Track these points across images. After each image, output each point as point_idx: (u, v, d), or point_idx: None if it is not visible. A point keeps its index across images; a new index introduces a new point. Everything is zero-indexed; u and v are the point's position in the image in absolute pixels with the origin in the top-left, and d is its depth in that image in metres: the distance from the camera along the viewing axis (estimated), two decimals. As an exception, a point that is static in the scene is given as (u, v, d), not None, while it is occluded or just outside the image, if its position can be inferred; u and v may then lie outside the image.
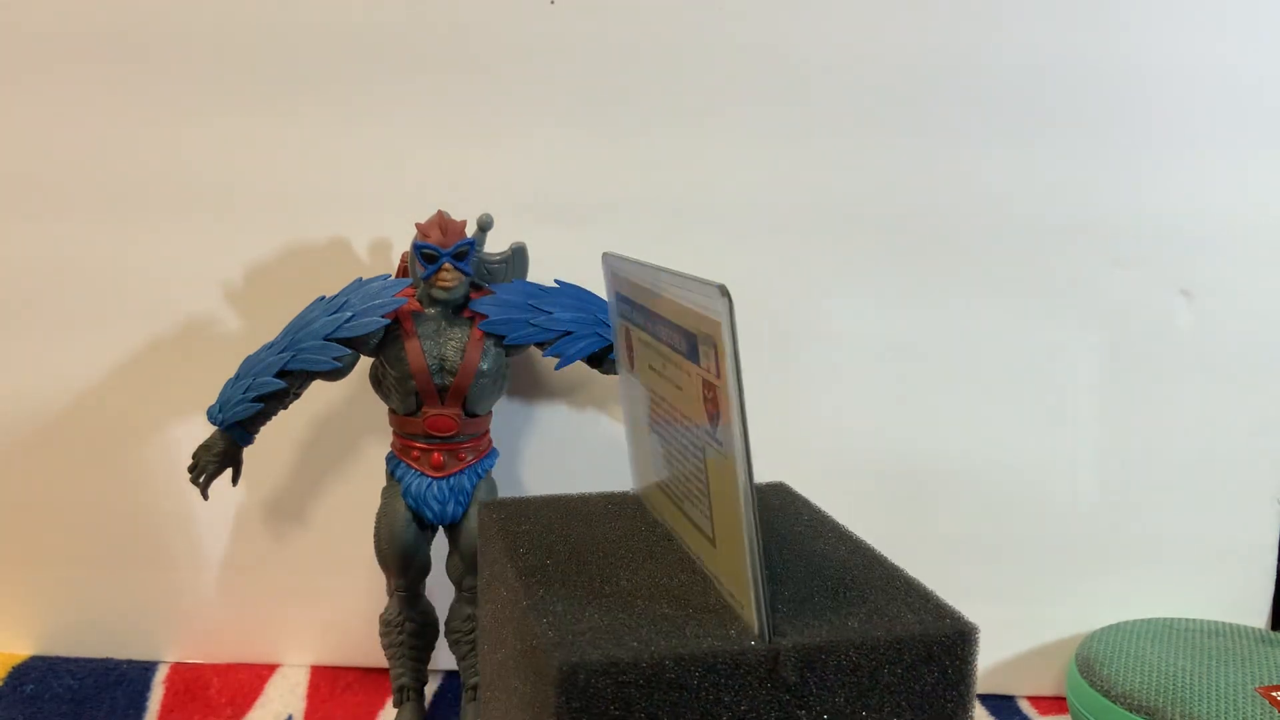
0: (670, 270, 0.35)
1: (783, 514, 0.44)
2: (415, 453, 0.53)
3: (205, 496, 0.53)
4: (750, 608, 0.32)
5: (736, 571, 0.33)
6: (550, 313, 0.53)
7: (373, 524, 0.55)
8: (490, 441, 0.55)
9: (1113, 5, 0.57)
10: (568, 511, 0.43)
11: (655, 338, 0.39)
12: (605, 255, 0.44)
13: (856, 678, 0.33)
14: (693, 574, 0.37)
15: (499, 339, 0.53)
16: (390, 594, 0.55)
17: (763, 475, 0.62)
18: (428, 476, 0.53)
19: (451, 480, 0.53)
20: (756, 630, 0.32)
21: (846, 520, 0.45)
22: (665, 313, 0.37)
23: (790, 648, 0.32)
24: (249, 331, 0.60)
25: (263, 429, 0.53)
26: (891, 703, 0.33)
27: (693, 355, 0.34)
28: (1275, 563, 0.62)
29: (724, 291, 0.30)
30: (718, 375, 0.32)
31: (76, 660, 0.62)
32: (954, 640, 0.33)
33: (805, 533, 0.41)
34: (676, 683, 0.31)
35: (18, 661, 0.62)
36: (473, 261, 0.52)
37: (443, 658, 0.60)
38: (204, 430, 0.52)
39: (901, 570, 0.38)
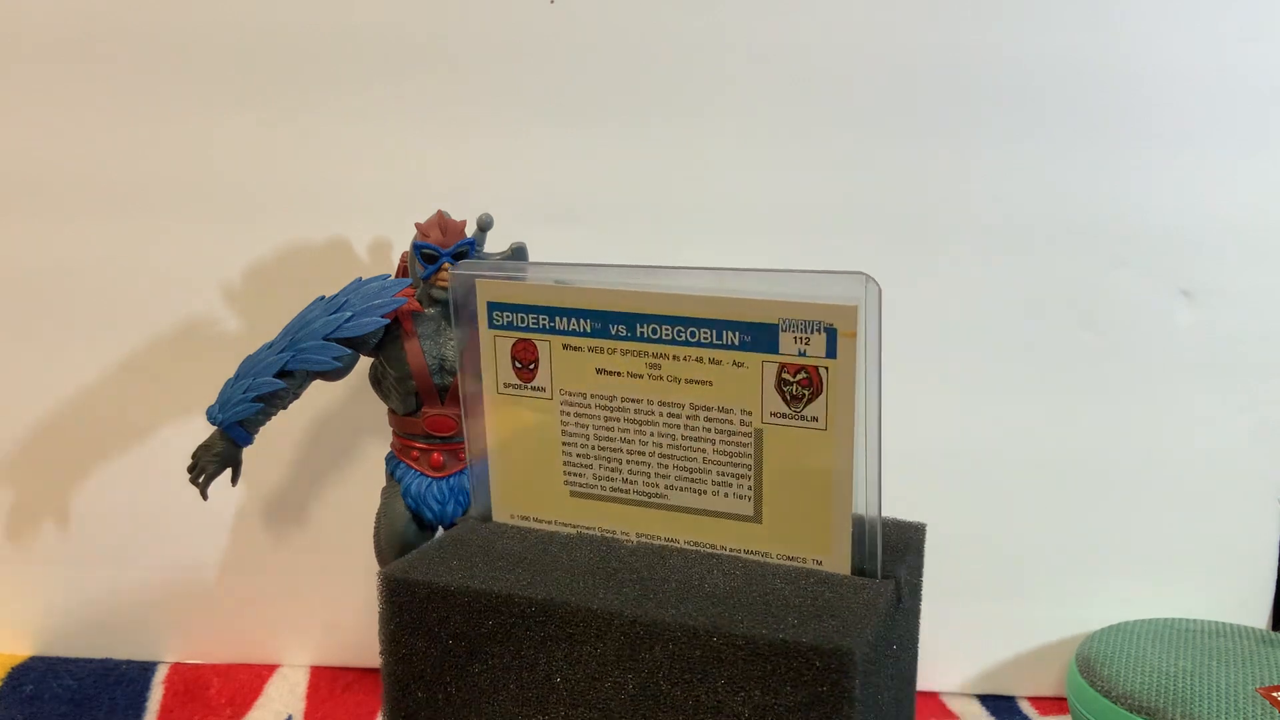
0: (726, 268, 0.38)
1: None
2: (415, 453, 0.53)
3: (205, 496, 0.53)
4: (845, 558, 0.39)
5: (811, 533, 0.39)
6: (550, 313, 0.53)
7: (373, 524, 0.55)
8: (490, 441, 0.55)
9: (1112, 5, 0.57)
10: (494, 553, 0.41)
11: (635, 337, 0.39)
12: (463, 266, 0.41)
13: (909, 587, 0.41)
14: (714, 559, 0.40)
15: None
16: (390, 594, 0.55)
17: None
18: (427, 476, 0.53)
19: (451, 480, 0.53)
20: (849, 571, 0.39)
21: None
22: (690, 310, 0.38)
23: (902, 578, 0.39)
24: (249, 331, 0.60)
25: (263, 429, 0.53)
26: (912, 595, 0.42)
27: (760, 345, 0.38)
28: (1276, 563, 0.62)
29: (869, 279, 0.36)
30: (829, 356, 0.37)
31: (76, 660, 0.62)
32: (922, 535, 0.44)
33: None
34: (881, 636, 0.36)
35: (18, 662, 0.62)
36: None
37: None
38: (204, 430, 0.52)
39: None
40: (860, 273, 0.36)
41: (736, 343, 0.38)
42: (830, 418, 0.38)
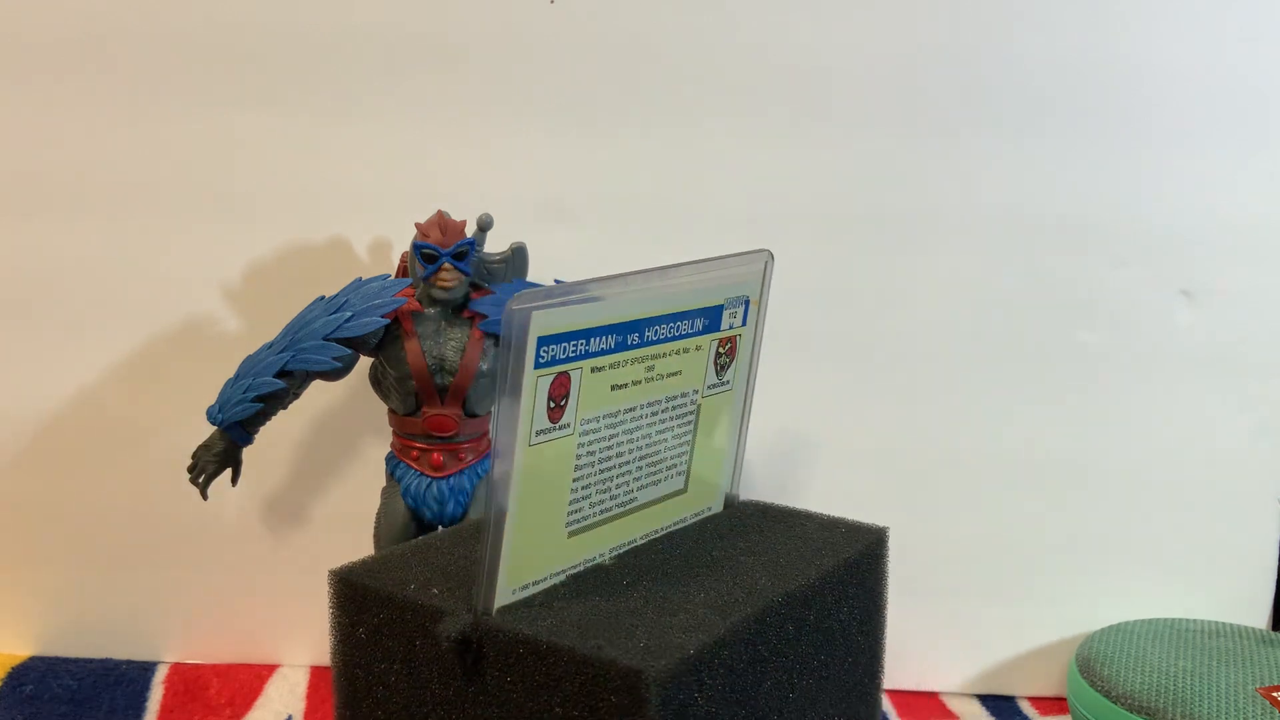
0: (694, 259, 0.40)
1: None
2: (415, 453, 0.53)
3: (205, 496, 0.53)
4: (722, 497, 0.45)
5: (711, 485, 0.44)
6: (550, 313, 0.53)
7: (372, 524, 0.55)
8: (490, 442, 0.55)
9: (1112, 5, 0.57)
10: (602, 614, 0.36)
11: (644, 343, 0.39)
12: (520, 303, 0.33)
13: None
14: (683, 535, 0.43)
15: (499, 339, 0.53)
16: (390, 594, 0.55)
17: (764, 470, 0.62)
18: (427, 476, 0.53)
19: (451, 480, 0.53)
20: (727, 501, 0.46)
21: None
22: (676, 306, 0.39)
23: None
24: (249, 331, 0.60)
25: (262, 429, 0.53)
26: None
27: (713, 326, 0.41)
28: (1276, 563, 0.62)
29: (770, 254, 0.42)
30: (744, 324, 0.42)
31: (76, 660, 0.62)
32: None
33: None
34: None
35: (17, 662, 0.62)
36: (472, 261, 0.52)
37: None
38: (204, 430, 0.52)
39: None
40: (764, 250, 0.42)
41: (701, 328, 0.40)
42: (735, 378, 0.43)
